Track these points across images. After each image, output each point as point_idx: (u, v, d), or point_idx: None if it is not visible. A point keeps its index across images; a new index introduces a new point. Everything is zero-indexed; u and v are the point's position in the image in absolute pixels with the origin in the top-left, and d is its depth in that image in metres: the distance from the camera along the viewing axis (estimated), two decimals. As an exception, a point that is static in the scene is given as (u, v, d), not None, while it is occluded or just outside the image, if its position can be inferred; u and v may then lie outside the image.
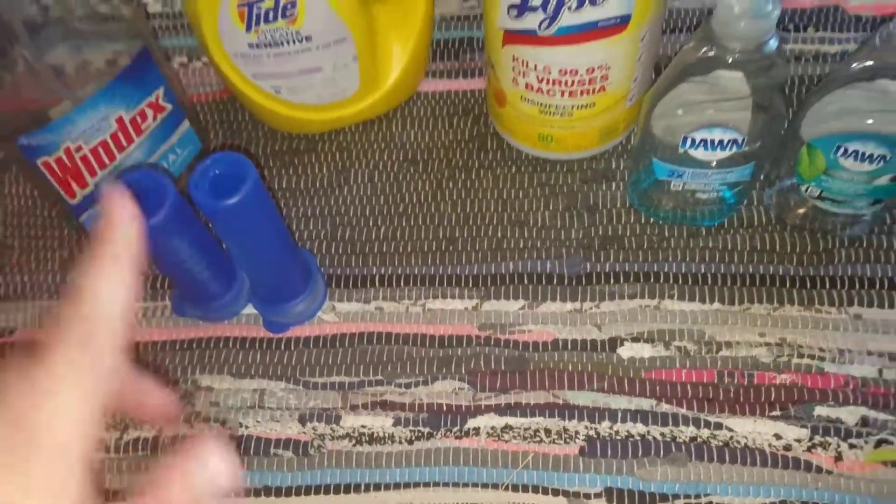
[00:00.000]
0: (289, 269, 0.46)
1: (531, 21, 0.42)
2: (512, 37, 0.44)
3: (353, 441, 0.45)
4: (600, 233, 0.50)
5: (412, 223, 0.52)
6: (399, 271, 0.50)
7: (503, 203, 0.52)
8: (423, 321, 0.49)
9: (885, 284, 0.46)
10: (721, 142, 0.43)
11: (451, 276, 0.50)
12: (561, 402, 0.45)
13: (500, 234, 0.51)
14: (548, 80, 0.46)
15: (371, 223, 0.53)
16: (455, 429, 0.45)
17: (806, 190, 0.45)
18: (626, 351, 0.46)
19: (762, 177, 0.49)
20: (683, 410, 0.44)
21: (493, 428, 0.45)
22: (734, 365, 0.45)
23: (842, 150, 0.42)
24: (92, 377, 0.21)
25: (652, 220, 0.50)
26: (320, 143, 0.56)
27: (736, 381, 0.44)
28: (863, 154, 0.41)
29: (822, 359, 0.44)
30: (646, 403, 0.44)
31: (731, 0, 0.36)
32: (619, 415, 0.44)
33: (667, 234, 0.49)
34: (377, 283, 0.50)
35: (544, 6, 0.41)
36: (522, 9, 0.42)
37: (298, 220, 0.53)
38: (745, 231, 0.49)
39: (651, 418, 0.44)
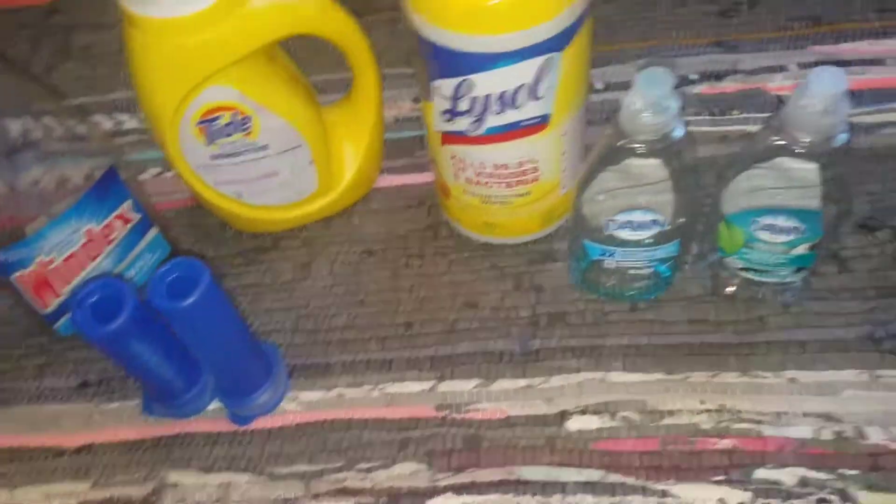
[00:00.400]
0: (249, 362, 0.48)
1: (462, 124, 0.46)
2: (448, 138, 0.48)
3: (316, 528, 0.46)
4: (547, 310, 0.53)
5: (370, 310, 0.55)
6: (359, 357, 0.53)
7: (455, 286, 0.55)
8: (382, 404, 0.51)
9: (817, 347, 0.48)
10: (643, 223, 0.46)
11: (408, 359, 0.52)
12: (515, 478, 0.46)
13: (452, 317, 0.54)
14: (484, 174, 0.49)
15: (332, 313, 0.55)
16: (414, 510, 0.46)
17: (730, 262, 0.48)
18: (574, 423, 0.48)
19: (694, 251, 0.52)
20: (631, 479, 0.45)
21: (450, 508, 0.46)
22: (676, 432, 0.46)
23: (757, 225, 0.45)
24: None
25: (594, 296, 0.53)
26: (283, 241, 0.59)
27: (679, 448, 0.46)
28: (776, 227, 0.44)
29: (760, 422, 0.46)
30: (595, 474, 0.46)
31: (632, 98, 0.40)
32: (570, 487, 0.46)
33: (608, 309, 0.52)
34: (338, 371, 0.52)
35: (471, 111, 0.45)
36: (453, 114, 0.46)
37: (263, 313, 0.56)
38: (681, 303, 0.51)
39: (601, 489, 0.45)
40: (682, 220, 0.46)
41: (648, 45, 0.67)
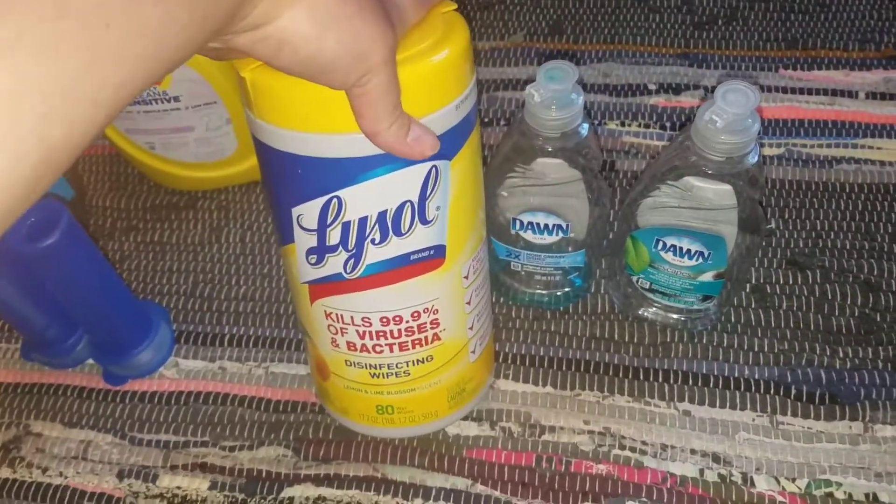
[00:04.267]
0: (118, 318, 0.46)
1: (334, 264, 0.35)
2: (318, 289, 0.37)
3: (166, 502, 0.44)
4: (451, 308, 0.50)
5: (273, 286, 0.53)
6: (251, 332, 0.51)
7: (365, 272, 0.53)
8: (263, 383, 0.48)
9: (719, 383, 0.46)
10: (547, 226, 0.43)
11: (299, 341, 0.50)
12: (379, 475, 0.44)
13: (355, 303, 0.51)
14: (371, 335, 0.38)
15: (233, 282, 0.53)
16: (270, 497, 0.44)
17: (637, 282, 0.45)
18: (453, 428, 0.45)
19: (605, 267, 0.49)
20: (497, 493, 0.43)
21: (307, 498, 0.44)
22: (554, 450, 0.44)
23: (661, 244, 0.42)
24: None
25: (502, 300, 0.50)
26: (200, 201, 0.57)
27: (553, 466, 0.43)
28: (680, 249, 0.41)
29: (643, 452, 0.43)
30: (461, 483, 0.43)
31: (532, 90, 0.38)
32: (433, 493, 0.43)
33: (513, 315, 0.50)
34: (225, 343, 0.50)
35: (344, 243, 0.34)
36: (321, 251, 0.35)
37: (162, 273, 0.54)
38: (588, 318, 0.49)
39: (464, 498, 0.43)
40: (583, 229, 0.44)
41: (612, 48, 0.64)
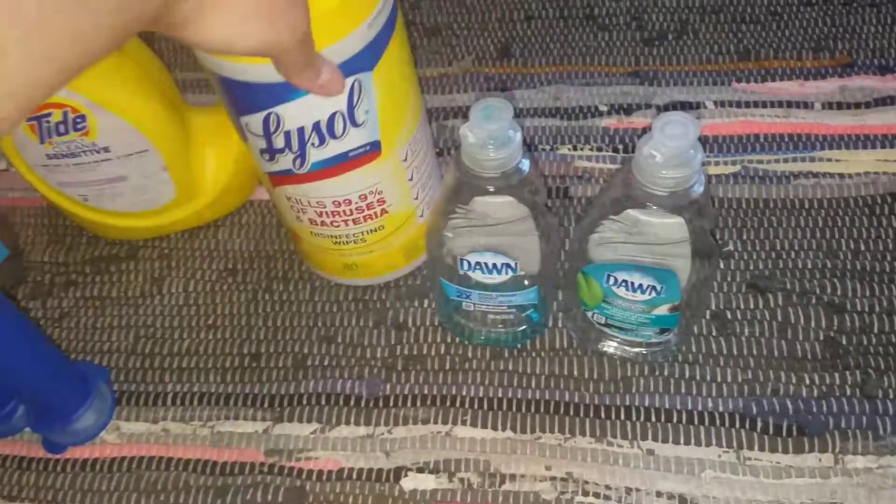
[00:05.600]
0: (55, 384, 0.44)
1: (285, 162, 0.41)
2: (277, 179, 0.43)
3: (108, 578, 0.42)
4: (405, 352, 0.48)
5: (219, 336, 0.50)
6: (195, 389, 0.48)
7: (314, 317, 0.51)
8: (209, 444, 0.46)
9: (682, 418, 0.44)
10: (496, 265, 0.41)
11: (247, 395, 0.48)
12: (334, 538, 0.42)
13: (305, 350, 0.49)
14: (327, 214, 0.44)
15: (176, 336, 0.51)
16: (219, 566, 0.42)
17: (592, 316, 0.44)
18: (409, 482, 0.43)
19: (562, 300, 0.47)
20: (457, 552, 0.41)
21: (257, 566, 0.41)
22: (515, 500, 0.42)
23: (612, 280, 0.40)
24: None
25: (458, 340, 0.48)
26: (141, 251, 0.55)
27: (515, 520, 0.41)
28: (632, 284, 0.40)
29: (607, 497, 0.42)
30: (420, 542, 0.41)
31: (467, 130, 0.36)
32: (390, 555, 0.41)
33: (470, 355, 0.48)
34: (168, 402, 0.48)
35: (289, 146, 0.39)
36: (271, 152, 0.40)
37: (102, 330, 0.51)
38: (546, 354, 0.47)
39: (422, 560, 0.41)
40: (534, 265, 0.42)
41: (562, 69, 0.62)
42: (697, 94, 0.59)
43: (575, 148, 0.57)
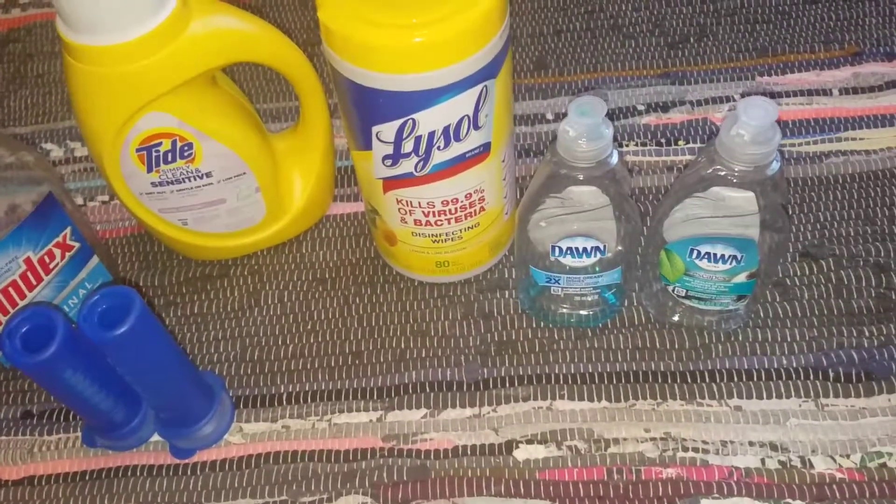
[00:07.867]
0: (189, 393, 0.47)
1: (406, 166, 0.45)
2: (391, 183, 0.47)
3: (256, 563, 0.45)
4: (496, 339, 0.53)
5: (319, 339, 0.54)
6: (306, 388, 0.52)
7: (406, 315, 0.55)
8: (328, 436, 0.50)
9: (762, 376, 0.49)
10: (585, 249, 0.46)
11: (356, 390, 0.52)
12: (459, 509, 0.46)
13: (402, 346, 0.53)
14: (434, 213, 0.48)
15: (280, 342, 0.55)
16: (357, 544, 0.45)
17: (673, 290, 0.48)
18: (521, 453, 0.47)
19: (639, 279, 0.52)
20: (576, 510, 0.45)
21: (393, 540, 0.45)
22: (622, 461, 0.46)
23: (696, 253, 0.45)
24: None
25: (542, 324, 0.53)
26: (233, 268, 0.59)
27: (625, 477, 0.46)
28: (715, 255, 0.45)
29: (706, 451, 0.46)
30: (540, 505, 0.45)
31: (566, 126, 0.41)
32: (515, 519, 0.45)
33: (556, 336, 0.52)
34: (284, 402, 0.52)
35: (416, 151, 0.44)
36: (396, 157, 0.45)
37: (209, 343, 0.55)
38: (627, 331, 0.51)
39: (545, 520, 0.45)
40: (620, 247, 0.47)
41: (596, 76, 0.68)
42: (726, 89, 0.65)
43: (621, 145, 0.62)
